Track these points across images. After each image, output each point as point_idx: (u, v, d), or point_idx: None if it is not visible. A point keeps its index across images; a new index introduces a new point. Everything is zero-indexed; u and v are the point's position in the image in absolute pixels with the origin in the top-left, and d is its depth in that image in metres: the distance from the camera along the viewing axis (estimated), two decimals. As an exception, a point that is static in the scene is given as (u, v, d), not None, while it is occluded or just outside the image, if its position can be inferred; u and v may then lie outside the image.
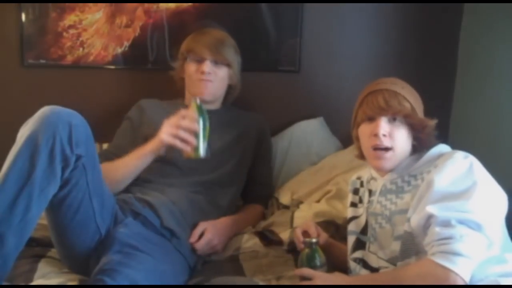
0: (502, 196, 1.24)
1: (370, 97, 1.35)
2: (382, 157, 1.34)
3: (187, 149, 1.55)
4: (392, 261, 1.29)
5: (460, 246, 1.13)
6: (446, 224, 1.16)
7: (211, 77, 1.78)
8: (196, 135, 1.55)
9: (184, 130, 1.55)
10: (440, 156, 1.30)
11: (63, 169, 1.33)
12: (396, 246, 1.28)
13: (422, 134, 1.33)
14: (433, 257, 1.15)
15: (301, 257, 1.38)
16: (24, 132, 1.32)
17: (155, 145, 1.61)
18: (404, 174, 1.34)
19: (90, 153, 1.40)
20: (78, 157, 1.35)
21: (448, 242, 1.14)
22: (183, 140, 1.55)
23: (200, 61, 1.78)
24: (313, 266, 1.34)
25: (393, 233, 1.30)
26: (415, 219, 1.22)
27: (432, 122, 1.35)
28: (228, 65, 1.81)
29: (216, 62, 1.79)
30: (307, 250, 1.37)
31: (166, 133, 1.57)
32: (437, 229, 1.17)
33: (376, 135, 1.31)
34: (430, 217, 1.19)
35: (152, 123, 1.77)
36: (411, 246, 1.25)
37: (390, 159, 1.34)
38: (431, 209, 1.18)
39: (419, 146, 1.35)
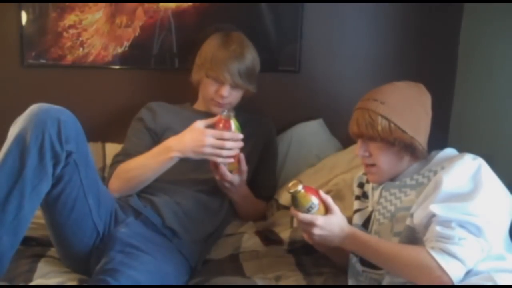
0: (509, 199, 1.24)
1: (353, 115, 1.37)
2: (369, 172, 1.39)
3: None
4: None
5: (456, 249, 1.15)
6: (447, 225, 1.18)
7: (228, 100, 1.78)
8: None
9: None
10: (447, 158, 1.30)
11: (54, 166, 1.33)
12: (395, 242, 1.29)
13: (408, 148, 1.33)
14: (432, 250, 1.16)
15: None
16: (13, 130, 1.32)
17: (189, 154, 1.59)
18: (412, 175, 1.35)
19: (81, 149, 1.39)
20: (69, 154, 1.35)
21: (447, 242, 1.16)
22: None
23: (219, 82, 1.76)
24: (306, 211, 1.29)
25: (393, 229, 1.31)
26: (419, 216, 1.23)
27: (418, 137, 1.32)
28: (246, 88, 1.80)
29: (235, 86, 1.77)
30: (292, 201, 1.32)
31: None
32: (438, 228, 1.18)
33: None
34: (432, 215, 1.19)
35: (167, 127, 1.78)
36: (411, 242, 1.25)
37: (376, 174, 1.38)
38: (434, 208, 1.19)
39: (416, 157, 1.35)
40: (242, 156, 1.64)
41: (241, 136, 1.58)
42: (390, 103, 1.32)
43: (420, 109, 1.35)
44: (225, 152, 1.55)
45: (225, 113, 1.58)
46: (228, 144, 1.55)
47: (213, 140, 1.54)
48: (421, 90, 1.39)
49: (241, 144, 1.58)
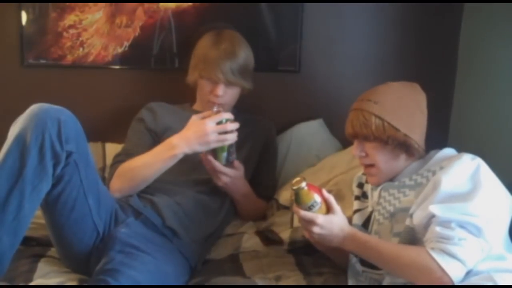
0: (508, 198, 1.24)
1: (348, 116, 1.38)
2: (368, 173, 1.40)
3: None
4: None
5: (457, 249, 1.15)
6: (447, 225, 1.18)
7: (223, 100, 1.77)
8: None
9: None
10: (446, 158, 1.30)
11: (55, 166, 1.34)
12: (394, 242, 1.29)
13: (402, 147, 1.33)
14: (432, 251, 1.16)
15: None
16: (13, 131, 1.32)
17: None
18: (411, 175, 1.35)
19: (81, 149, 1.39)
20: (69, 154, 1.35)
21: (447, 242, 1.16)
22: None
23: (213, 82, 1.76)
24: (307, 209, 1.30)
25: (392, 230, 1.31)
26: (418, 216, 1.23)
27: (412, 135, 1.32)
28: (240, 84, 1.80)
29: (229, 84, 1.77)
30: (294, 197, 1.33)
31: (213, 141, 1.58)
32: (438, 228, 1.18)
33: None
34: (432, 216, 1.20)
35: (167, 128, 1.78)
36: (411, 242, 1.25)
37: (376, 175, 1.39)
38: (434, 209, 1.20)
39: (412, 156, 1.35)
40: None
41: (231, 115, 1.61)
42: (383, 103, 1.33)
43: (415, 108, 1.36)
44: (229, 136, 1.58)
45: (215, 109, 1.62)
46: (230, 125, 1.58)
47: (214, 126, 1.57)
48: (416, 89, 1.39)
49: (237, 124, 1.60)
